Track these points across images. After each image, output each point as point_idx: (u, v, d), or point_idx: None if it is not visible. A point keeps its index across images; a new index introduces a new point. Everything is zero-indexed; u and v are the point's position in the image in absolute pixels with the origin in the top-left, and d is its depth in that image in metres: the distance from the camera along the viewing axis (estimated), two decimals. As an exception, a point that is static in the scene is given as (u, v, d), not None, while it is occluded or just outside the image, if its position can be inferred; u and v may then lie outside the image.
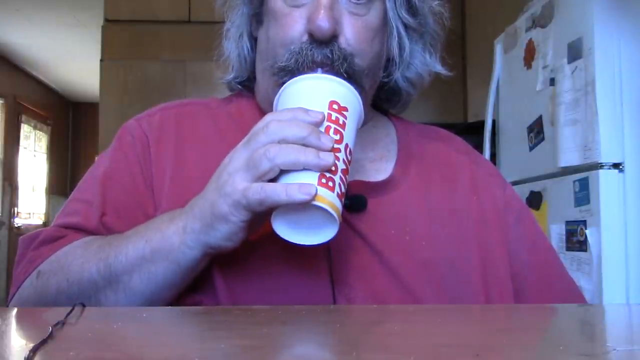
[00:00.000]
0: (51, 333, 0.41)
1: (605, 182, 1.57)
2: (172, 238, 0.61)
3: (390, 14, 0.74)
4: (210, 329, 0.51)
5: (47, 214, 6.84)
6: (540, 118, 1.92)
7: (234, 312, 0.57)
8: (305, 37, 0.69)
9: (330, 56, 0.68)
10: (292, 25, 0.70)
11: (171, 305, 0.65)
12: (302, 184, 0.54)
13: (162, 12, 3.35)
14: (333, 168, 0.56)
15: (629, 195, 1.57)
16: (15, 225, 6.07)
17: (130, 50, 3.31)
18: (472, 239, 0.74)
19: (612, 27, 1.62)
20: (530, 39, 2.00)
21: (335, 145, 0.57)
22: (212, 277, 0.66)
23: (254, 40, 0.79)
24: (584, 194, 1.63)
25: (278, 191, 0.54)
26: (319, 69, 0.67)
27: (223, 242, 0.60)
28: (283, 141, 0.56)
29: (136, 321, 0.53)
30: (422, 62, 0.79)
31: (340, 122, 0.59)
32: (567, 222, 1.70)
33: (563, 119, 1.72)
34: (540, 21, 1.93)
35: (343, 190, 0.57)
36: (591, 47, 1.62)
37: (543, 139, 1.91)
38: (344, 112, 0.59)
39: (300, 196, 0.53)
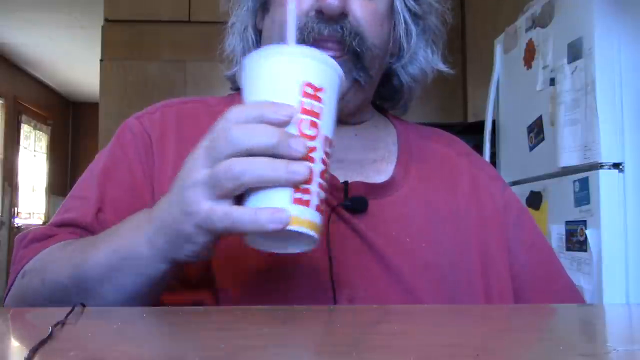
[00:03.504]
0: (51, 333, 0.41)
1: (605, 182, 1.57)
2: (139, 249, 0.56)
3: (397, 2, 0.76)
4: (210, 329, 0.51)
5: (47, 214, 6.84)
6: (540, 118, 1.92)
7: (234, 312, 0.57)
8: (312, 13, 0.69)
9: (341, 31, 0.68)
10: (300, 2, 0.69)
11: (170, 305, 0.65)
12: (274, 210, 0.48)
13: (162, 12, 3.34)
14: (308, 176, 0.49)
15: (629, 195, 1.58)
16: (15, 225, 6.07)
17: (130, 50, 3.30)
18: (472, 240, 0.74)
19: (612, 27, 1.62)
20: (530, 39, 2.00)
21: (310, 144, 0.49)
22: (212, 277, 0.65)
23: (258, 33, 0.80)
24: (584, 194, 1.63)
25: (246, 220, 0.48)
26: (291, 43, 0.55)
27: (190, 259, 0.55)
28: (249, 152, 0.48)
29: (136, 321, 0.53)
30: (425, 59, 0.80)
31: (316, 109, 0.51)
32: (567, 222, 1.70)
33: (563, 119, 1.72)
34: (540, 21, 1.93)
35: (322, 196, 0.51)
36: (591, 47, 1.62)
37: (543, 139, 1.91)
38: (320, 94, 0.51)
39: (272, 225, 0.47)
